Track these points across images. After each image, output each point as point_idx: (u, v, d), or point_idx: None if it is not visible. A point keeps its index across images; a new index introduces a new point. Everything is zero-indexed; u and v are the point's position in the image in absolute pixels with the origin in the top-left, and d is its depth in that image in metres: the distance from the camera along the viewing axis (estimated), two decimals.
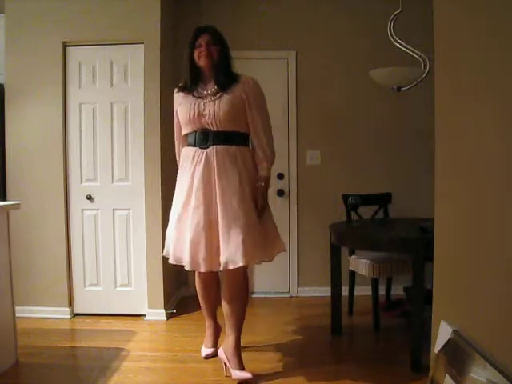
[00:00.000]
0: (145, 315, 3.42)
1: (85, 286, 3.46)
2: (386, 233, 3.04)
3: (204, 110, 2.34)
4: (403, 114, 3.88)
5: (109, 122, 3.39)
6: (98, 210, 3.43)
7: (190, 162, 2.39)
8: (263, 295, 3.90)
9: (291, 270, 4.01)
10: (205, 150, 2.35)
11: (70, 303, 3.45)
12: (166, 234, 2.54)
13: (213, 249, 2.30)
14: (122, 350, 2.81)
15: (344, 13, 3.88)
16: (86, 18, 3.31)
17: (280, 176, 3.95)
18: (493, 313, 1.51)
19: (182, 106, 2.43)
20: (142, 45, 3.32)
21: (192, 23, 3.86)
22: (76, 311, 3.48)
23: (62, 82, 3.36)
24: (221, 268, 2.29)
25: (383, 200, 3.58)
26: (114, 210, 3.42)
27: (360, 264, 3.16)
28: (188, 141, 2.45)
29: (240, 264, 2.23)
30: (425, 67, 2.93)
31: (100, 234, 3.43)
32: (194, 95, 2.40)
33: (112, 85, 3.39)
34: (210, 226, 2.31)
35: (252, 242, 2.28)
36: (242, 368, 2.35)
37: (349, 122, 3.93)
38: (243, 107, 2.37)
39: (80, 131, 3.41)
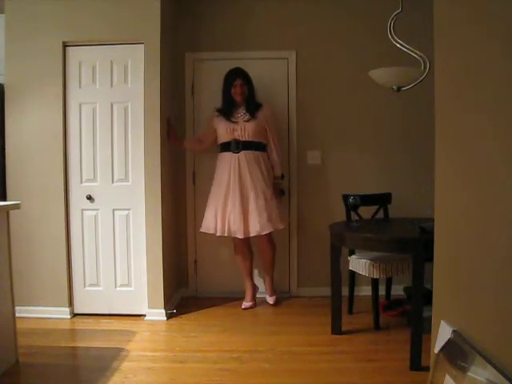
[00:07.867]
0: (145, 315, 3.42)
1: (85, 286, 3.46)
2: (386, 233, 3.04)
3: (236, 131, 3.54)
4: (403, 114, 3.88)
5: (109, 123, 3.39)
6: (97, 210, 3.43)
7: (227, 163, 3.53)
8: (263, 295, 3.89)
9: (291, 270, 4.01)
10: (237, 155, 3.51)
11: (70, 303, 3.45)
12: (209, 215, 3.59)
13: (247, 222, 3.50)
14: (122, 350, 2.82)
15: (344, 13, 3.88)
16: (86, 18, 3.31)
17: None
18: (492, 313, 1.51)
19: (221, 125, 3.58)
20: (142, 45, 3.32)
21: (192, 23, 3.91)
22: (76, 311, 3.48)
23: (62, 82, 3.36)
24: (253, 234, 3.51)
25: (383, 200, 3.58)
26: (113, 210, 3.42)
27: (360, 264, 3.16)
28: (224, 147, 3.58)
29: (270, 229, 3.52)
30: (425, 67, 2.92)
31: (100, 234, 3.44)
32: (230, 120, 3.57)
33: (112, 85, 3.39)
34: (244, 207, 3.50)
35: (271, 216, 3.53)
36: (271, 295, 3.81)
37: (349, 122, 3.93)
38: (264, 126, 3.60)
39: (80, 131, 3.41)
